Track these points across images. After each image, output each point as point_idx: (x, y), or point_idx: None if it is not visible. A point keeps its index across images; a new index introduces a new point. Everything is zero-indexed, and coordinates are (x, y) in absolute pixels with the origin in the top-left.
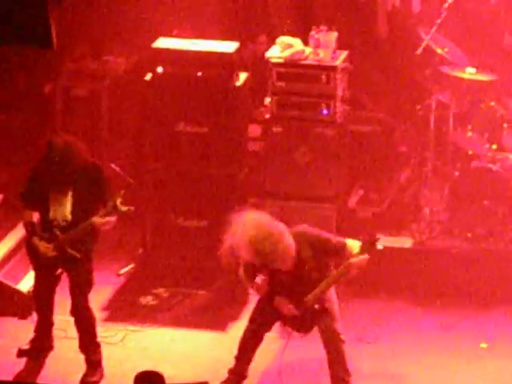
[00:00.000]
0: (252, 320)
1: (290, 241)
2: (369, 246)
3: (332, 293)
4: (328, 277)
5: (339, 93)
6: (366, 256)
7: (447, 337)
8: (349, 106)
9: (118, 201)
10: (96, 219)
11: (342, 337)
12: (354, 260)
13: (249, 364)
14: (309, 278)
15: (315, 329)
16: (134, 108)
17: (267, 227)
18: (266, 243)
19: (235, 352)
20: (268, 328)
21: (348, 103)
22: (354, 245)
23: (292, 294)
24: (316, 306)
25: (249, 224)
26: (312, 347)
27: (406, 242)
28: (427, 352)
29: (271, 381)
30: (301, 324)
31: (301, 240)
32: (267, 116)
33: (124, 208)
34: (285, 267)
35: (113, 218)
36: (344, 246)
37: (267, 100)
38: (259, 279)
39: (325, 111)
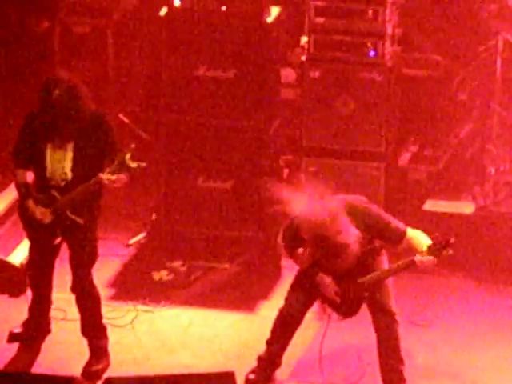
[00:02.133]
0: (290, 297)
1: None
2: (440, 248)
3: (385, 262)
4: (387, 268)
5: (389, 31)
6: (432, 259)
7: None
8: (400, 47)
9: (128, 156)
10: (104, 175)
11: (397, 317)
12: (418, 259)
13: (283, 350)
14: (360, 262)
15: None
16: (145, 49)
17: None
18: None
19: (267, 336)
20: (308, 307)
21: (399, 43)
22: (415, 236)
23: (338, 273)
24: (365, 294)
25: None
26: (356, 330)
27: (466, 208)
28: (491, 337)
29: (309, 370)
30: (344, 306)
31: (355, 216)
32: (303, 58)
33: (134, 164)
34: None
35: (123, 176)
36: (404, 234)
37: (303, 39)
38: (302, 250)
39: (372, 53)
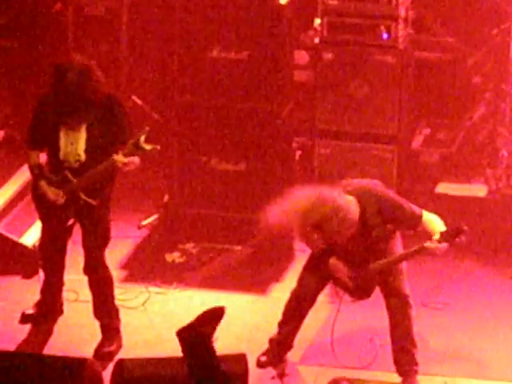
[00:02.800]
0: (303, 278)
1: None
2: (453, 235)
3: (398, 241)
4: (399, 253)
5: (402, 13)
6: (445, 245)
7: None
8: (413, 29)
9: (142, 138)
10: (117, 157)
11: (410, 300)
12: (429, 245)
13: (295, 332)
14: (373, 247)
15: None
16: (159, 30)
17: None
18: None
19: (279, 318)
20: (321, 289)
21: (412, 26)
22: (431, 221)
23: (351, 257)
24: (378, 278)
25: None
26: (369, 313)
27: (479, 191)
28: (502, 321)
29: (321, 353)
30: (357, 289)
31: (369, 201)
32: (316, 40)
33: (148, 146)
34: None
35: (136, 158)
36: (420, 219)
37: (317, 21)
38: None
39: (385, 35)
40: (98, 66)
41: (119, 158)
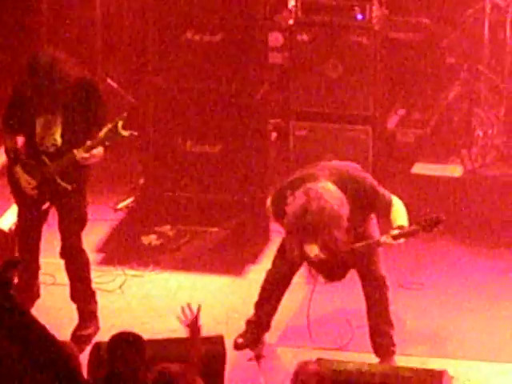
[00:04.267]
0: (277, 260)
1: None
2: (431, 224)
3: (375, 226)
4: (369, 241)
5: None
6: (401, 241)
7: (502, 282)
8: (387, 10)
9: (120, 124)
10: (77, 153)
11: (387, 281)
12: (385, 241)
13: (272, 314)
14: (351, 232)
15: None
16: (133, 12)
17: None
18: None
19: (255, 299)
20: (296, 269)
21: (387, 6)
22: (396, 211)
23: None
24: (352, 261)
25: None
26: (345, 294)
27: (454, 171)
28: (479, 300)
29: (297, 334)
30: (331, 271)
31: (348, 187)
32: (291, 22)
33: (125, 133)
34: None
35: (100, 150)
36: (390, 204)
37: (291, 3)
38: None
39: (359, 16)
40: (70, 51)
41: (79, 153)
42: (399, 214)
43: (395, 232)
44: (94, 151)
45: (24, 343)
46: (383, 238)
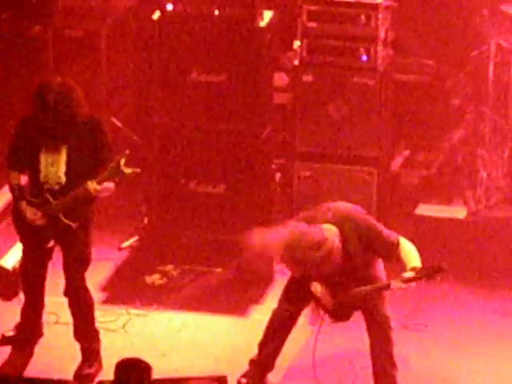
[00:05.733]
0: (284, 299)
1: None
2: (432, 272)
3: (380, 269)
4: (378, 284)
5: (381, 35)
6: (406, 287)
7: (505, 324)
8: (392, 52)
9: (122, 162)
10: (90, 184)
11: (391, 322)
12: (394, 285)
13: (276, 353)
14: (354, 275)
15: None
16: (138, 53)
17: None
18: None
19: (259, 339)
20: (301, 309)
21: (391, 48)
22: (407, 252)
23: (332, 282)
24: (359, 302)
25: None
26: (349, 334)
27: (458, 212)
28: (483, 342)
29: (302, 374)
30: (337, 312)
31: (350, 230)
32: (296, 63)
33: (129, 170)
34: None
35: (111, 184)
36: (397, 245)
37: (296, 44)
38: None
39: (364, 57)
40: (79, 88)
41: (92, 185)
42: (409, 256)
43: (407, 274)
44: (105, 184)
45: None
46: (393, 284)
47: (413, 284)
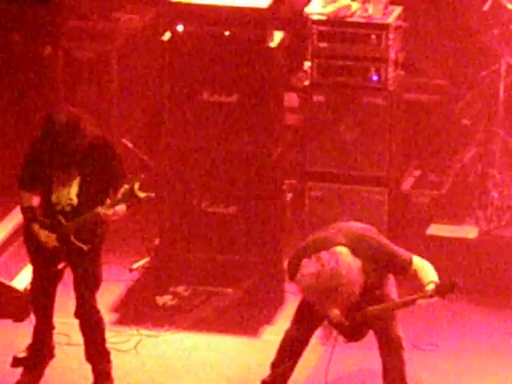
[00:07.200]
0: (297, 320)
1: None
2: (445, 290)
3: (392, 287)
4: (393, 302)
5: (392, 56)
6: (435, 299)
7: None
8: (403, 72)
9: (136, 186)
10: (101, 209)
11: (403, 343)
12: (421, 302)
13: (289, 374)
14: (368, 294)
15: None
16: (149, 74)
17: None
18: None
19: (270, 360)
20: (314, 329)
21: (402, 68)
22: (422, 268)
23: None
24: (372, 322)
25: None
26: (361, 354)
27: (470, 232)
28: (494, 362)
29: None
30: (350, 332)
31: (364, 250)
32: (307, 83)
33: (143, 194)
34: None
35: (123, 207)
36: (410, 263)
37: (307, 64)
38: None
39: (375, 77)
40: (87, 111)
41: (103, 209)
42: (425, 271)
43: (431, 287)
44: (117, 208)
45: None
46: (420, 301)
47: (435, 299)
